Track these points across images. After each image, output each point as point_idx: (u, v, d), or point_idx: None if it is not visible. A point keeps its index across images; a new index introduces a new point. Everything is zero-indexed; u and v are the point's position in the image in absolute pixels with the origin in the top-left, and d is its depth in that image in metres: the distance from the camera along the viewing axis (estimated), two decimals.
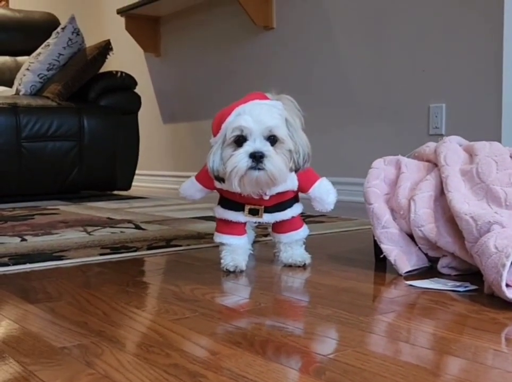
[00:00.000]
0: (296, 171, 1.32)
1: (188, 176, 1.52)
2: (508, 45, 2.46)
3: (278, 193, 1.37)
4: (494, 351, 0.87)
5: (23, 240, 1.96)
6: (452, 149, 1.41)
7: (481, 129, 2.56)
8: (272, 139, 1.26)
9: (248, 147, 1.24)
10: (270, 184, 1.28)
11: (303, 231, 1.49)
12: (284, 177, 1.27)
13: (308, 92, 3.32)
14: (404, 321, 1.03)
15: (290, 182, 1.38)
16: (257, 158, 1.23)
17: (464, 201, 1.29)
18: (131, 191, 3.89)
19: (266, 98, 1.36)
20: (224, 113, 1.30)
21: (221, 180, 1.32)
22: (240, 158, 1.23)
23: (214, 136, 1.31)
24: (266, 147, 1.25)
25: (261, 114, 1.26)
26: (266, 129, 1.25)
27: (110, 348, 0.91)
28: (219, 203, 1.46)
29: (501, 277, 1.08)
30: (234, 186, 1.27)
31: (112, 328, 1.02)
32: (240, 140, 1.26)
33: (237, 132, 1.26)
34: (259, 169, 1.24)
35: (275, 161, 1.24)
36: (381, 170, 1.49)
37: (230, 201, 1.40)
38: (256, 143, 1.24)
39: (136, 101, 3.74)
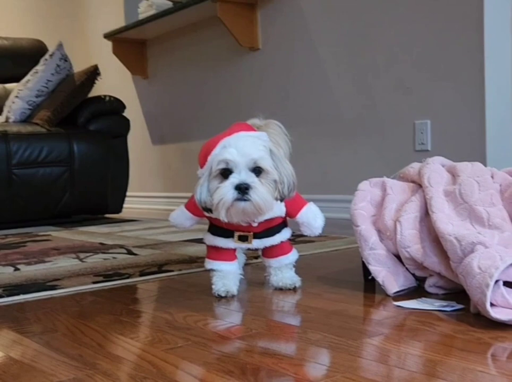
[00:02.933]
0: (281, 200, 1.35)
1: (178, 197, 1.55)
2: (489, 63, 2.52)
3: (266, 220, 1.40)
4: (479, 373, 0.90)
5: (16, 269, 1.97)
6: (435, 171, 1.44)
7: (467, 144, 2.60)
8: (257, 170, 1.30)
9: (234, 179, 1.28)
10: (257, 214, 1.31)
11: (292, 255, 1.51)
12: (270, 207, 1.31)
13: (294, 111, 3.36)
14: (392, 344, 1.05)
15: (278, 209, 1.40)
16: (242, 189, 1.26)
17: (448, 222, 1.32)
18: (123, 213, 3.90)
19: (251, 129, 1.39)
20: (209, 146, 1.33)
21: (208, 210, 1.35)
22: (226, 191, 1.27)
23: (201, 167, 1.34)
24: (251, 179, 1.28)
25: (246, 147, 1.29)
26: (251, 161, 1.29)
27: (104, 381, 0.93)
28: (208, 230, 1.48)
29: (485, 297, 1.10)
30: (221, 217, 1.30)
31: (106, 359, 1.04)
32: (226, 173, 1.29)
33: (223, 165, 1.29)
34: (245, 200, 1.27)
35: (261, 191, 1.28)
36: (367, 192, 1.52)
37: (219, 228, 1.42)
38: (241, 175, 1.28)
39: (125, 125, 3.77)
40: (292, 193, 1.34)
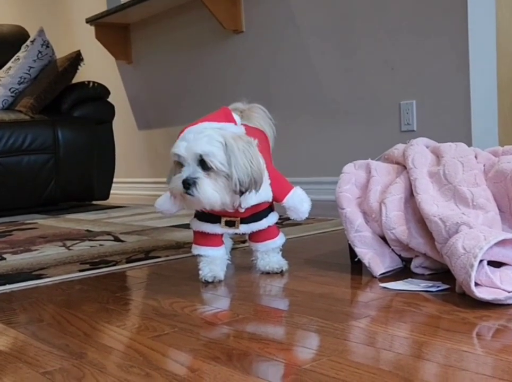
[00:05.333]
0: (241, 194, 1.33)
1: (165, 182, 1.54)
2: (473, 42, 2.51)
3: (253, 205, 1.40)
4: (464, 352, 0.90)
5: (2, 258, 1.96)
6: (419, 152, 1.44)
7: (452, 124, 2.61)
8: (208, 164, 1.30)
9: (183, 173, 1.31)
10: (206, 207, 1.33)
11: (279, 239, 1.51)
12: (216, 201, 1.31)
13: (279, 94, 3.35)
14: (378, 326, 1.06)
15: (264, 193, 1.40)
16: (186, 185, 1.30)
17: (433, 203, 1.33)
18: (110, 200, 3.89)
19: (226, 117, 1.37)
20: (179, 134, 1.35)
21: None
22: (176, 183, 1.32)
23: None
24: (197, 174, 1.30)
25: (196, 140, 1.30)
26: (197, 156, 1.30)
27: (91, 370, 0.93)
28: (195, 216, 1.48)
29: (470, 277, 1.11)
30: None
31: (93, 349, 1.03)
32: (181, 163, 1.33)
33: (175, 158, 1.34)
34: (190, 194, 1.30)
35: (203, 188, 1.29)
36: (351, 175, 1.52)
37: (206, 213, 1.42)
38: (189, 169, 1.31)
39: (109, 110, 3.74)
40: (253, 187, 1.32)
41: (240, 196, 1.33)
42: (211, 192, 1.30)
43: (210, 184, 1.30)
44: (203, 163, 1.30)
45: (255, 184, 1.32)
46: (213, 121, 1.35)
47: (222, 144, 1.31)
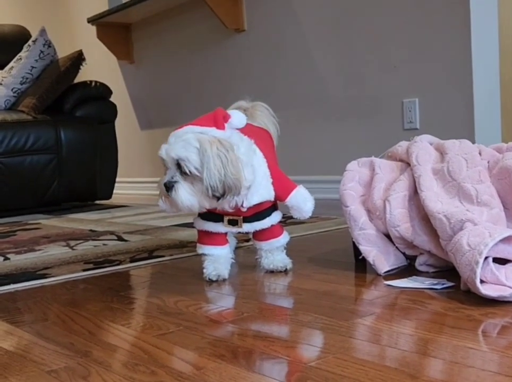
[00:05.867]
0: (218, 199, 1.32)
1: None
2: (476, 39, 2.51)
3: (255, 204, 1.40)
4: (470, 349, 0.90)
5: (6, 258, 1.96)
6: (423, 149, 1.44)
7: (455, 122, 2.60)
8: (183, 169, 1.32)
9: (165, 176, 1.34)
10: (184, 210, 1.35)
11: (283, 238, 1.51)
12: (195, 205, 1.33)
13: (282, 92, 3.35)
14: (383, 323, 1.06)
15: (267, 193, 1.40)
16: (166, 188, 1.33)
17: (437, 200, 1.32)
18: (113, 200, 3.89)
19: (214, 121, 1.35)
20: None
21: None
22: (160, 186, 1.36)
23: None
24: (175, 178, 1.33)
25: (174, 144, 1.33)
26: (174, 160, 1.32)
27: (96, 369, 0.93)
28: (198, 215, 1.47)
29: (475, 274, 1.11)
30: None
31: (98, 347, 1.03)
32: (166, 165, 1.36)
33: (161, 160, 1.36)
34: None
35: (179, 192, 1.31)
36: (355, 172, 1.52)
37: (209, 212, 1.42)
38: (170, 172, 1.34)
39: (112, 110, 3.74)
40: (228, 193, 1.31)
41: (217, 201, 1.33)
42: (187, 197, 1.32)
43: (187, 188, 1.32)
44: (180, 167, 1.32)
45: (229, 189, 1.31)
46: (197, 125, 1.35)
47: (198, 149, 1.31)
